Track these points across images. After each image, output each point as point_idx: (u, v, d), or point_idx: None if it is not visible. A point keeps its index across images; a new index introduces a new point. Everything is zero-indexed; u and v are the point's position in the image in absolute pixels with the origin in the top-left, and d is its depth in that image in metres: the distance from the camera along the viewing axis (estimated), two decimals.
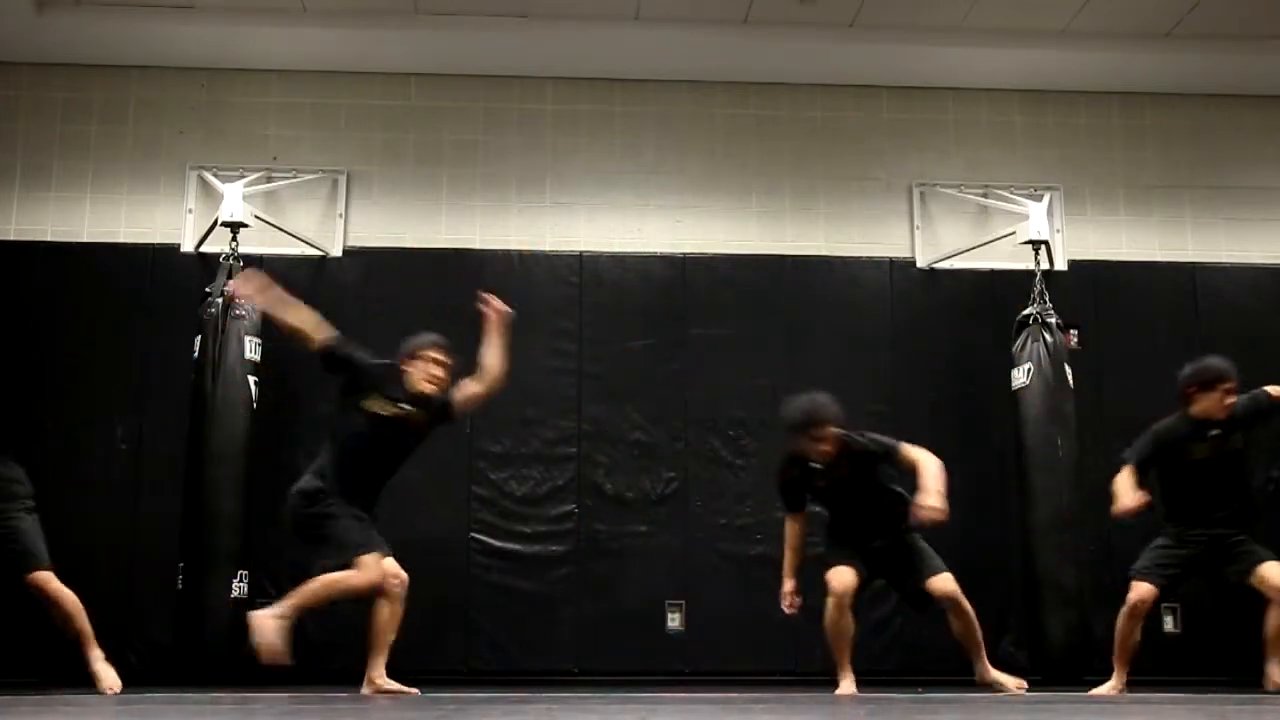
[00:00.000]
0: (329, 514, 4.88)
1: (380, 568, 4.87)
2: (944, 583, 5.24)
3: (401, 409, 5.04)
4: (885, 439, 5.33)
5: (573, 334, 7.14)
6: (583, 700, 4.40)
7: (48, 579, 5.01)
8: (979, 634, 5.31)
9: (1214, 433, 5.28)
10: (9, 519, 5.01)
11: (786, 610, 5.49)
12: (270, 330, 6.60)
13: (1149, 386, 7.08)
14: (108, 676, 5.03)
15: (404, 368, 5.12)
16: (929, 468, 5.11)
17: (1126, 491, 5.19)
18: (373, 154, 7.43)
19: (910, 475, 5.20)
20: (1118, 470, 6.97)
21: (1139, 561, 5.36)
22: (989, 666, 5.33)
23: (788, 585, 5.48)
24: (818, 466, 5.29)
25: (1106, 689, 5.29)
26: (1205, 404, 5.29)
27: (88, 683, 5.04)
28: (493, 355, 5.19)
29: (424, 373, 5.11)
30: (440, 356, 5.16)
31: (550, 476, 6.96)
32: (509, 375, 5.26)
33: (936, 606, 5.34)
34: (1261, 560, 5.19)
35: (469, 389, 5.21)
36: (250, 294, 5.28)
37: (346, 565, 4.82)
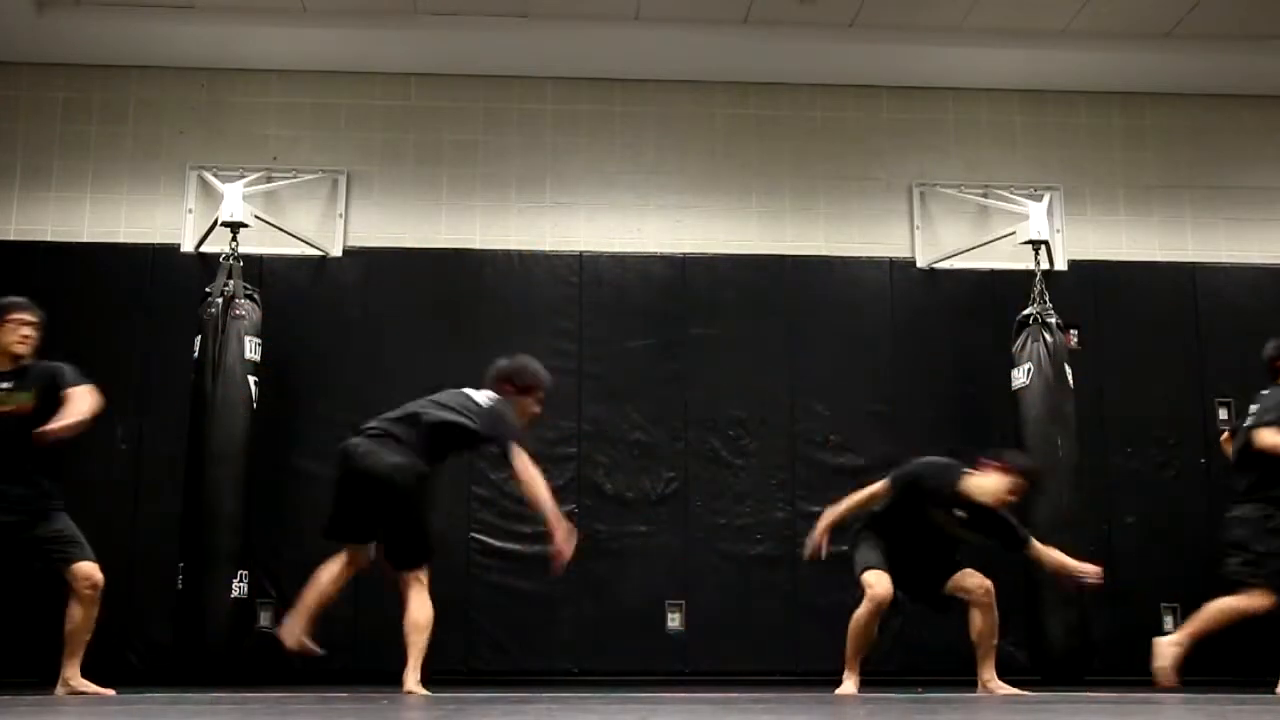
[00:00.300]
0: (427, 506, 4.94)
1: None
2: (977, 574, 5.26)
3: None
4: (1023, 529, 5.39)
5: (573, 334, 7.14)
6: (583, 700, 4.39)
7: (98, 573, 4.97)
8: (995, 639, 5.27)
9: None
10: (57, 518, 4.97)
11: (809, 553, 5.34)
12: (270, 330, 6.61)
13: (1149, 386, 7.11)
14: (93, 688, 4.98)
15: None
16: (1060, 559, 5.35)
17: None
18: (373, 154, 7.43)
19: (1038, 564, 5.39)
20: (1117, 470, 7.03)
21: (1267, 563, 5.19)
22: (994, 675, 5.26)
23: (824, 526, 5.31)
24: (960, 513, 5.25)
25: (1170, 647, 5.24)
26: None
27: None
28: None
29: (15, 338, 4.96)
30: (24, 316, 5.01)
31: (550, 476, 6.89)
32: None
33: (960, 604, 5.29)
34: None
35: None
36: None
37: (426, 561, 4.88)
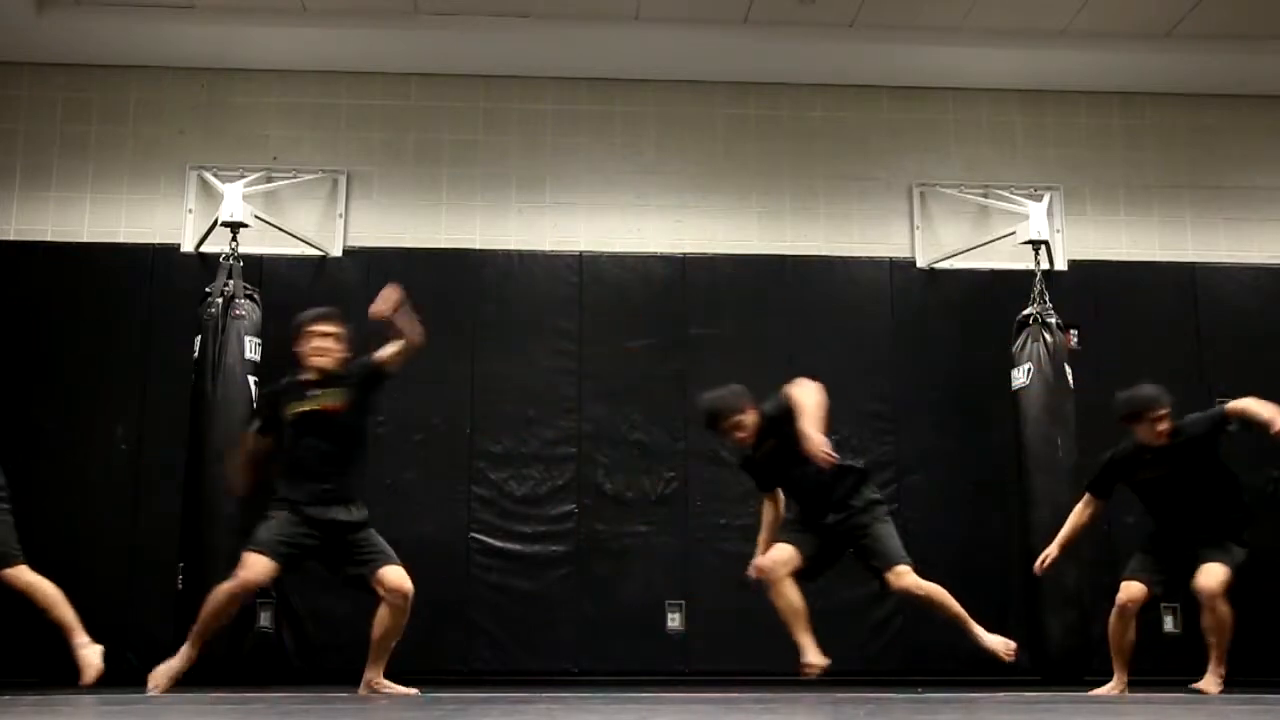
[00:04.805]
0: (264, 518, 4.93)
1: (257, 567, 4.84)
2: (897, 578, 5.04)
3: (311, 397, 4.96)
4: (776, 398, 5.13)
5: (573, 334, 7.14)
6: (583, 700, 4.39)
7: (17, 574, 4.95)
8: (954, 606, 5.12)
9: (1148, 457, 5.35)
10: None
11: (750, 573, 5.30)
12: (270, 330, 6.61)
13: None
14: (88, 663, 4.94)
15: (299, 355, 5.07)
16: (805, 400, 4.97)
17: (1065, 527, 5.60)
18: (373, 154, 7.43)
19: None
20: None
21: (1128, 565, 5.44)
22: (980, 632, 5.15)
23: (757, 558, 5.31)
24: (749, 452, 5.26)
25: (1107, 690, 5.30)
26: (1140, 432, 5.36)
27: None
28: (406, 332, 4.97)
29: (314, 350, 5.01)
30: (323, 327, 5.06)
31: (550, 476, 6.96)
32: (422, 339, 5.05)
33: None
34: (1201, 563, 5.22)
35: (388, 349, 5.02)
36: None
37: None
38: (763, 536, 5.39)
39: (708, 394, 5.30)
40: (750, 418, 5.16)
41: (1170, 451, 5.30)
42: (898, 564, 5.05)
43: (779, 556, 5.09)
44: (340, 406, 4.95)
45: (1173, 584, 5.43)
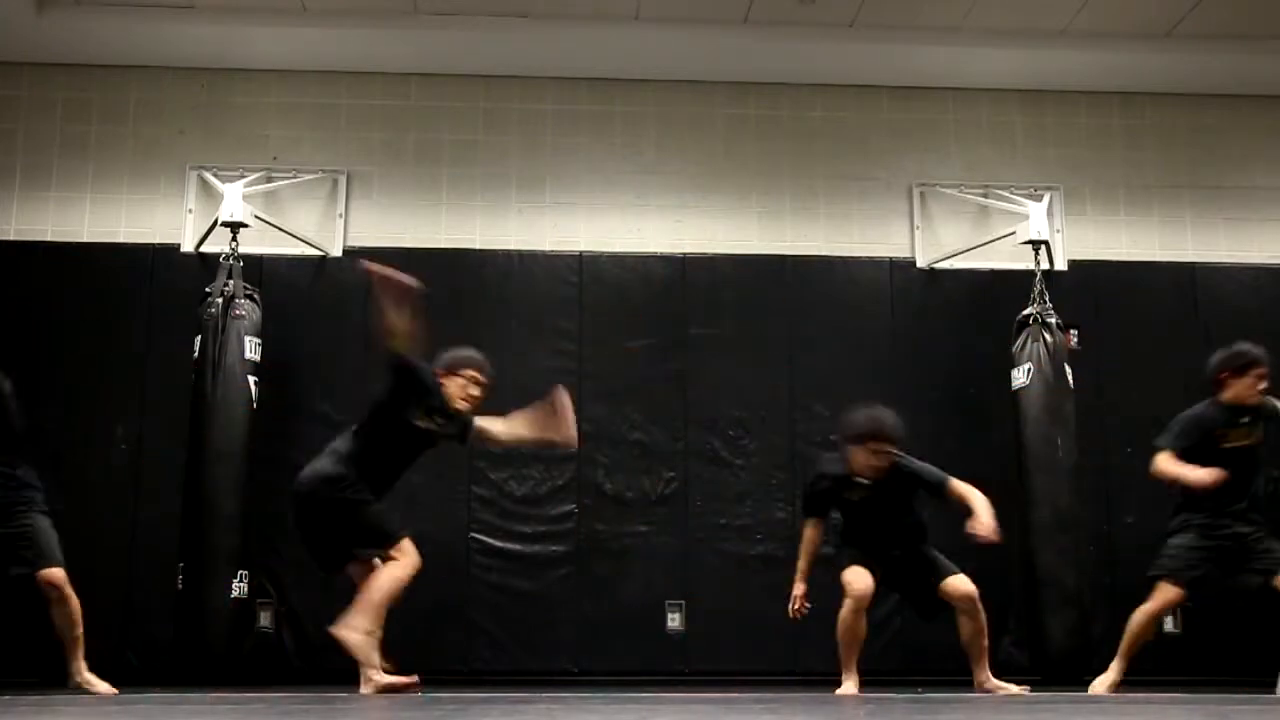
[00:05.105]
0: (363, 500, 4.94)
1: (415, 550, 4.95)
2: (963, 583, 5.22)
3: (436, 422, 5.08)
4: (937, 470, 5.33)
5: (573, 334, 7.14)
6: (583, 700, 4.39)
7: (63, 579, 5.01)
8: (986, 640, 5.27)
9: (1245, 420, 5.21)
10: (25, 518, 5.00)
11: (792, 615, 5.46)
12: (270, 330, 6.63)
13: (1149, 386, 7.10)
14: (100, 686, 5.01)
15: (441, 380, 5.12)
16: (979, 496, 5.17)
17: (1192, 469, 5.06)
18: (373, 154, 7.43)
19: (959, 508, 5.18)
20: (1117, 470, 7.02)
21: (1167, 560, 5.23)
22: (990, 674, 5.29)
23: (798, 589, 5.45)
24: (861, 481, 5.27)
25: (1106, 682, 5.26)
26: (1238, 389, 5.21)
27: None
28: (544, 429, 5.28)
29: (462, 391, 5.13)
30: (482, 378, 5.18)
31: (550, 476, 6.96)
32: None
33: (948, 610, 5.30)
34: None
35: (493, 427, 5.26)
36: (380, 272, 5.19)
37: (384, 551, 4.91)
38: (803, 563, 5.49)
39: (881, 409, 5.36)
40: (891, 452, 5.26)
41: (1259, 416, 5.20)
42: (959, 571, 5.27)
43: (869, 583, 5.18)
44: (449, 439, 5.20)
45: (1204, 580, 5.27)
